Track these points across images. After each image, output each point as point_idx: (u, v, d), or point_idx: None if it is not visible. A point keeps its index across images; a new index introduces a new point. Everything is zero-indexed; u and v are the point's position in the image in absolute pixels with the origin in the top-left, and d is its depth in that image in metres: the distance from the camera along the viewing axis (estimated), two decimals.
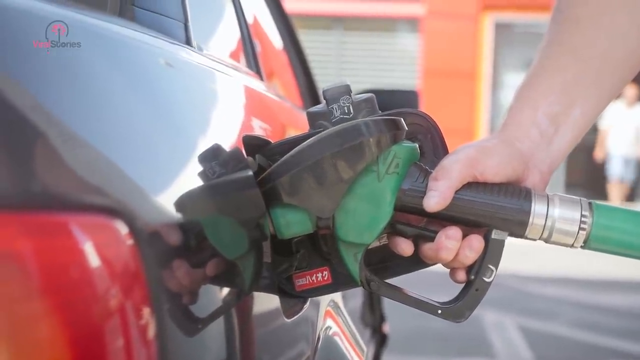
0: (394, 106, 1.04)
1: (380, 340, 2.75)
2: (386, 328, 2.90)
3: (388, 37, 14.50)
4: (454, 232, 0.98)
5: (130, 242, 0.63)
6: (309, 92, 2.56)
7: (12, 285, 0.54)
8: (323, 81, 2.81)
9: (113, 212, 0.63)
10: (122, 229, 0.63)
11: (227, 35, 1.52)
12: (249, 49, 1.58)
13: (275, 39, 2.31)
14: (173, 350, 0.68)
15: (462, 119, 12.83)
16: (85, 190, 0.63)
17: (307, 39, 2.63)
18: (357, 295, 2.00)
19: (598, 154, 12.85)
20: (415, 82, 13.69)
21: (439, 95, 12.67)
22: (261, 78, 1.58)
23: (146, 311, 0.63)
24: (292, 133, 1.42)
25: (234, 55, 1.49)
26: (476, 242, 0.99)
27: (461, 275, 1.01)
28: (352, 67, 13.97)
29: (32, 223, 0.56)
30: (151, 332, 0.64)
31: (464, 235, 0.99)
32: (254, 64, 1.56)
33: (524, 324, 5.76)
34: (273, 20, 2.31)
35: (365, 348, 1.44)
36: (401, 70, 14.17)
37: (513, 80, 14.44)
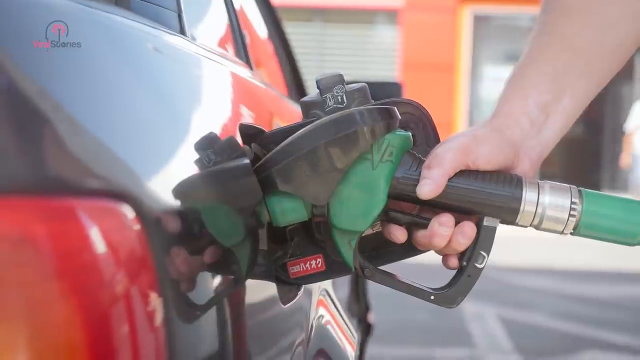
0: (378, 98, 1.05)
1: (365, 329, 2.76)
2: (371, 318, 2.92)
3: (368, 29, 14.53)
4: (447, 219, 0.99)
5: (137, 226, 0.64)
6: (294, 81, 2.58)
7: (27, 269, 0.55)
8: (303, 73, 2.82)
9: (120, 197, 0.64)
10: (130, 213, 0.64)
11: (218, 25, 1.52)
12: (239, 39, 1.59)
13: (262, 29, 2.32)
14: (179, 333, 0.69)
15: (441, 111, 12.86)
16: (93, 176, 0.64)
17: (288, 31, 2.65)
18: (344, 284, 2.02)
19: (624, 160, 11.49)
20: (395, 74, 13.72)
21: (418, 88, 12.70)
22: (250, 67, 1.59)
23: (154, 295, 0.65)
24: (279, 120, 1.44)
25: (224, 45, 1.50)
26: (468, 229, 1.00)
27: (453, 262, 1.03)
28: (332, 59, 13.98)
29: (45, 208, 0.57)
30: (159, 315, 0.65)
31: (456, 223, 1.01)
32: (243, 54, 1.57)
33: (504, 315, 5.79)
34: (259, 11, 2.32)
35: (356, 335, 1.46)
36: (380, 62, 14.20)
37: (492, 73, 14.51)
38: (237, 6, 1.71)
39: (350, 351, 1.33)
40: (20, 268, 0.55)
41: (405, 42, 13.85)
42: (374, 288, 3.01)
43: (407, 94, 2.81)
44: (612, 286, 7.14)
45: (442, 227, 0.99)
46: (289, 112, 1.76)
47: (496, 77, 14.58)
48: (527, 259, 8.35)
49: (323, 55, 14.00)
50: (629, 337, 5.29)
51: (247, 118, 1.15)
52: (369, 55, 14.23)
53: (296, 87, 2.57)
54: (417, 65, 13.53)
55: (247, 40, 1.68)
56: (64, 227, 0.57)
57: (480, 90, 14.43)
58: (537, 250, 8.64)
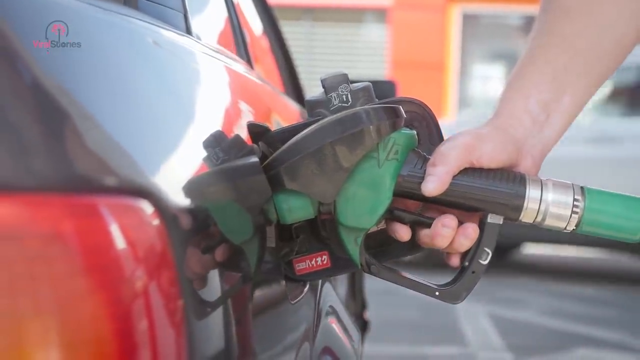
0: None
1: (361, 326, 2.78)
2: (367, 315, 2.94)
3: (357, 28, 14.54)
4: (450, 220, 1.00)
5: (157, 223, 0.66)
6: (290, 78, 2.59)
7: (57, 265, 0.56)
8: None
9: (140, 194, 0.65)
10: (150, 210, 0.65)
11: (221, 25, 1.54)
12: (239, 38, 1.60)
13: (259, 26, 2.33)
14: (196, 327, 0.70)
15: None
16: (114, 173, 0.65)
17: None
18: (343, 282, 2.03)
19: None
20: (384, 72, 13.73)
21: (407, 86, 12.70)
22: (251, 66, 1.60)
23: (174, 290, 0.66)
24: (278, 117, 1.45)
25: (227, 45, 1.51)
26: (471, 231, 1.01)
27: (455, 261, 1.05)
28: (321, 57, 13.99)
29: (72, 205, 0.58)
30: (179, 310, 0.66)
31: (460, 221, 1.03)
32: (244, 53, 1.59)
33: (495, 313, 5.82)
34: (255, 8, 2.34)
35: (358, 332, 1.47)
36: (370, 61, 14.22)
37: (481, 71, 14.54)
38: (237, 6, 1.72)
39: (355, 348, 1.35)
40: (50, 264, 0.56)
41: (394, 40, 13.87)
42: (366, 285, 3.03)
43: (397, 93, 2.83)
44: (601, 284, 7.17)
45: (444, 228, 1.00)
46: (288, 109, 1.77)
47: (485, 75, 14.63)
48: (517, 256, 8.38)
49: (312, 54, 14.01)
50: (618, 334, 5.32)
51: (252, 115, 1.17)
52: (359, 54, 14.24)
53: (292, 84, 2.58)
54: (407, 64, 13.54)
55: (247, 39, 1.69)
56: (91, 223, 0.59)
57: (469, 88, 14.46)
58: (526, 248, 8.66)
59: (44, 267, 0.56)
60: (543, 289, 6.90)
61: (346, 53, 14.20)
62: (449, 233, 1.00)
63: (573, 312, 5.98)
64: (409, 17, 13.71)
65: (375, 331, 4.22)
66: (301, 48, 13.80)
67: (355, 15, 14.33)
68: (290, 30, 13.78)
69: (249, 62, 1.59)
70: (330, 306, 1.35)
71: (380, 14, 14.18)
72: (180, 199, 0.74)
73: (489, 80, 14.58)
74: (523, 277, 7.40)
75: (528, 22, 14.17)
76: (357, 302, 2.60)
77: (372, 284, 2.95)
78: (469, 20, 14.16)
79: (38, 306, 0.55)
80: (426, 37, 13.72)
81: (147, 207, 0.65)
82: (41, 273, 0.56)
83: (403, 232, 1.02)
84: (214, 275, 0.80)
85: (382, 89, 2.63)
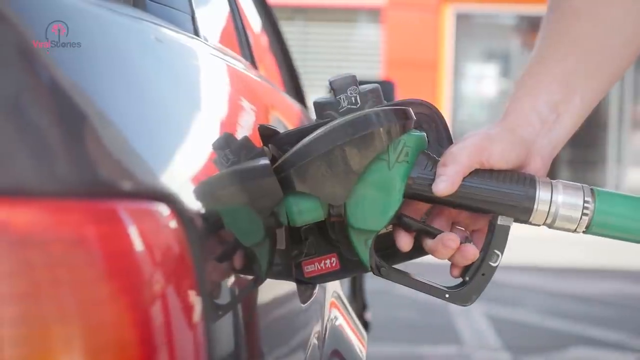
0: None
1: (363, 326, 2.78)
2: (368, 316, 2.94)
3: (350, 27, 14.54)
4: (451, 241, 1.00)
5: (176, 226, 0.65)
6: (290, 77, 2.60)
7: (81, 269, 0.56)
8: None
9: (158, 197, 0.65)
10: (169, 214, 0.65)
11: (226, 26, 1.54)
12: (243, 39, 1.60)
13: (260, 26, 2.34)
14: (214, 329, 0.70)
15: None
16: (132, 177, 0.65)
17: None
18: (344, 284, 2.03)
19: None
20: (378, 72, 13.73)
21: (401, 86, 12.69)
22: (255, 66, 1.60)
23: (194, 293, 0.66)
24: (280, 116, 1.45)
25: (232, 46, 1.51)
26: (470, 252, 1.01)
27: (456, 273, 1.05)
28: (315, 57, 13.98)
29: (94, 210, 0.58)
30: (198, 312, 0.67)
31: (471, 221, 1.03)
32: (248, 54, 1.59)
33: (491, 312, 5.82)
34: (256, 9, 2.34)
35: (365, 334, 1.47)
36: (364, 60, 14.21)
37: (474, 70, 14.57)
38: (239, 6, 1.72)
39: (362, 351, 1.35)
40: (73, 269, 0.56)
41: (388, 40, 13.87)
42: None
43: (396, 92, 2.82)
44: (598, 283, 7.18)
45: (445, 248, 1.00)
46: (290, 108, 1.78)
47: (478, 74, 14.67)
48: (512, 256, 8.38)
49: (306, 54, 14.00)
50: (614, 333, 5.33)
51: (258, 116, 1.16)
52: (352, 54, 14.24)
53: (292, 83, 2.59)
54: (400, 64, 13.54)
55: (251, 39, 1.69)
56: (112, 228, 0.59)
57: (463, 87, 14.48)
58: (522, 248, 8.67)
59: (67, 272, 0.56)
60: (539, 288, 6.90)
61: (340, 53, 14.20)
62: (448, 252, 1.01)
63: (571, 311, 5.99)
64: (402, 16, 13.71)
65: (372, 331, 4.22)
66: (294, 48, 13.78)
67: (348, 14, 14.33)
68: (283, 30, 13.77)
69: (252, 62, 1.59)
70: (339, 308, 1.35)
71: (374, 13, 14.18)
72: (194, 202, 0.74)
73: (482, 79, 14.62)
74: (519, 276, 7.41)
75: (521, 22, 14.20)
76: (358, 302, 2.60)
77: (369, 284, 2.95)
78: (462, 19, 14.17)
79: (61, 311, 0.55)
80: (420, 36, 13.73)
81: (164, 211, 0.65)
82: (64, 278, 0.56)
83: (404, 243, 1.02)
84: (228, 277, 0.80)
85: (382, 89, 2.62)
